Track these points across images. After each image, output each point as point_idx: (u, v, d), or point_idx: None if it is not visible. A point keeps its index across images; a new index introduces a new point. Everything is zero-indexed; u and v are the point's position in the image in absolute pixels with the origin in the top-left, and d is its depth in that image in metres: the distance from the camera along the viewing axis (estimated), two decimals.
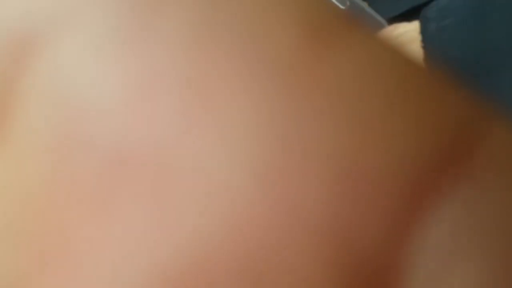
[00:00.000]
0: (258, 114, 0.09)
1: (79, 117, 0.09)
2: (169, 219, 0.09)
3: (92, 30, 0.09)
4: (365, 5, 0.49)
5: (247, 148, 0.09)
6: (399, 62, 0.09)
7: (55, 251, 0.09)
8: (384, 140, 0.09)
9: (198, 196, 0.09)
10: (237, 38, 0.09)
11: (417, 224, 0.09)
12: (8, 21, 0.10)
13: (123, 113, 0.09)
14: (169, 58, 0.09)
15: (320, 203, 0.08)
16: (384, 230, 0.08)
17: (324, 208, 0.08)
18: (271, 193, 0.09)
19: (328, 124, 0.09)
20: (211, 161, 0.09)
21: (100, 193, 0.09)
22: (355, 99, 0.09)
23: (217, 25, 0.09)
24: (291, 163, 0.09)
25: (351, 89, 0.09)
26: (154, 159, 0.09)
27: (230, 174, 0.09)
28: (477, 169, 0.09)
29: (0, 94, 0.09)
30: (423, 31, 0.40)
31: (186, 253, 0.09)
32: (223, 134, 0.09)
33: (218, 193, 0.09)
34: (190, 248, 0.09)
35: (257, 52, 0.09)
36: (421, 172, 0.09)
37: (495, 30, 0.41)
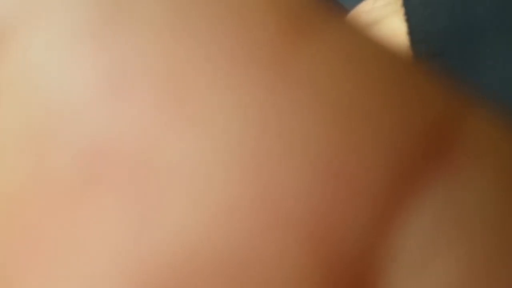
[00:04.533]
0: (238, 107, 0.08)
1: (50, 113, 0.09)
2: (149, 216, 0.08)
3: (61, 24, 0.09)
4: None
5: (228, 144, 0.08)
6: (379, 52, 0.09)
7: (30, 250, 0.09)
8: (365, 133, 0.09)
9: (179, 193, 0.08)
10: (213, 29, 0.09)
11: (399, 217, 0.09)
12: None
13: (96, 108, 0.09)
14: (142, 50, 0.09)
15: (301, 197, 0.08)
16: (365, 223, 0.09)
17: (305, 203, 0.08)
18: (254, 189, 0.08)
19: (308, 117, 0.09)
20: (190, 157, 0.08)
21: (75, 190, 0.09)
22: (334, 91, 0.09)
23: (191, 15, 0.09)
24: (272, 158, 0.09)
25: (329, 80, 0.09)
26: (132, 154, 0.09)
27: (211, 170, 0.08)
28: (458, 160, 0.09)
29: None
30: (406, 3, 0.40)
31: (167, 251, 0.08)
32: (201, 129, 0.08)
33: (200, 190, 0.08)
34: (171, 246, 0.08)
35: (234, 42, 0.09)
36: (402, 164, 0.09)
37: (479, 2, 0.41)
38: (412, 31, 0.38)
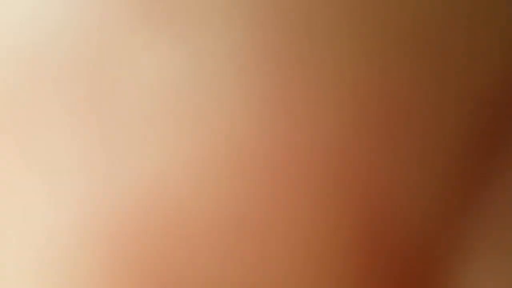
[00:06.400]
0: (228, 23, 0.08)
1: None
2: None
3: None
4: None
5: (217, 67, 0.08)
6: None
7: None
8: (442, 92, 0.07)
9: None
10: None
11: (471, 206, 0.08)
12: None
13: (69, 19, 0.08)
14: None
15: (354, 151, 0.07)
16: (437, 191, 0.07)
17: (356, 157, 0.07)
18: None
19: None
20: (161, 71, 0.08)
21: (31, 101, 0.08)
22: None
23: None
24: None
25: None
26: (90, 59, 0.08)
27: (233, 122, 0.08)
28: None
29: None
30: None
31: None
32: (187, 46, 0.08)
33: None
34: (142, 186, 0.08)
35: None
36: (482, 127, 0.08)
37: None
38: None
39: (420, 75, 0.07)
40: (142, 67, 0.08)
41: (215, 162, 0.08)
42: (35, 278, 0.08)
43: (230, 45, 0.08)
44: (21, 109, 0.08)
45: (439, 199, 0.08)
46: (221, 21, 0.08)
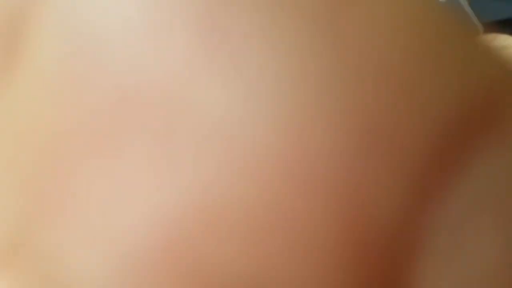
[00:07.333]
0: (274, 58, 0.08)
1: (90, 50, 0.09)
2: (177, 160, 0.08)
3: None
4: (465, 3, 0.46)
5: (260, 94, 0.08)
6: (431, 19, 0.09)
7: (58, 193, 0.09)
8: (412, 100, 0.08)
9: (208, 138, 0.08)
10: None
11: (439, 192, 0.08)
12: None
13: (133, 48, 0.08)
14: None
15: (340, 156, 0.08)
16: (405, 188, 0.08)
17: (344, 162, 0.08)
18: (292, 146, 0.08)
19: (355, 79, 0.08)
20: (220, 103, 0.08)
21: (107, 129, 0.09)
22: (384, 56, 0.08)
23: None
24: (313, 117, 0.08)
25: (376, 41, 0.09)
26: (164, 96, 0.08)
27: (251, 125, 0.08)
28: (503, 134, 0.09)
29: (13, 26, 0.09)
30: None
31: (194, 200, 0.08)
32: (234, 77, 0.08)
33: (239, 143, 0.08)
34: (197, 193, 0.08)
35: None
36: (447, 135, 0.08)
37: None
38: None
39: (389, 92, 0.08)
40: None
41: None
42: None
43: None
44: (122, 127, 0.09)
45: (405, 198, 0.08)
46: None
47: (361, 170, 0.08)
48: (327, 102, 0.08)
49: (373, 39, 0.08)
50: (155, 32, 0.08)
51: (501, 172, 0.08)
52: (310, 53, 0.08)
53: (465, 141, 0.08)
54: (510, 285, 0.08)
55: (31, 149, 0.09)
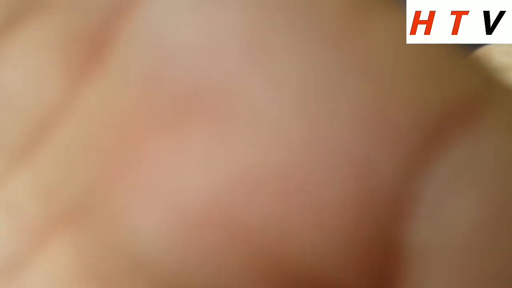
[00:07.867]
0: (308, 69, 0.10)
1: (165, 57, 0.10)
2: (228, 148, 0.10)
3: None
4: None
5: (300, 96, 0.10)
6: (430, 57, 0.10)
7: (127, 162, 0.10)
8: (404, 100, 0.10)
9: (256, 131, 0.10)
10: (294, 7, 0.10)
11: (427, 163, 0.10)
12: None
13: (200, 55, 0.10)
14: (237, 18, 0.10)
15: (352, 140, 0.10)
16: (400, 163, 0.10)
17: (355, 144, 0.10)
18: (316, 130, 0.10)
19: (357, 80, 0.10)
20: (270, 103, 0.10)
21: (173, 118, 0.10)
22: (384, 62, 0.10)
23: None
24: (331, 110, 0.10)
25: (381, 54, 0.10)
26: (224, 95, 0.10)
27: (286, 114, 0.10)
28: (484, 118, 0.10)
29: (104, 34, 0.11)
30: None
31: (243, 169, 0.10)
32: (281, 83, 0.10)
33: (271, 131, 0.10)
34: (244, 175, 0.10)
35: (307, 21, 0.10)
36: (436, 121, 0.10)
37: None
38: None
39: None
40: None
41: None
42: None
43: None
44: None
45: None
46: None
47: (366, 149, 0.10)
48: (341, 100, 0.10)
49: (380, 53, 0.10)
50: (214, 45, 0.10)
51: (475, 152, 0.10)
52: (321, 66, 0.10)
53: (447, 129, 0.10)
54: (483, 235, 0.10)
55: (110, 127, 0.10)
